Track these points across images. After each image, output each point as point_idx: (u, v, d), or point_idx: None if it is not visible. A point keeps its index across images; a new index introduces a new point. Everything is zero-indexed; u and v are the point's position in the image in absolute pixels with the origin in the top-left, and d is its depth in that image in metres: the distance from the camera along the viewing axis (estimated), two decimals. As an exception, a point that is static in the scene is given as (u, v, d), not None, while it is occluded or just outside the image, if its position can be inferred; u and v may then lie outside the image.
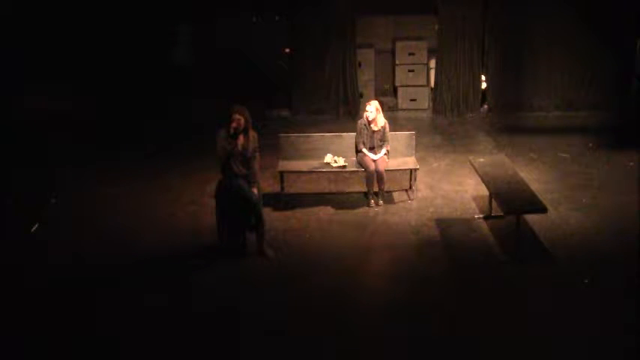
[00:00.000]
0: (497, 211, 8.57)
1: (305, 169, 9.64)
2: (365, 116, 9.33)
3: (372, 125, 9.29)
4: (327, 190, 10.01)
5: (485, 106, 13.78)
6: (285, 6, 13.38)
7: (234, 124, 7.60)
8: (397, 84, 13.98)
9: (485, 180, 8.62)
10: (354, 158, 9.53)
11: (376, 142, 9.36)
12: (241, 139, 7.67)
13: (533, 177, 10.15)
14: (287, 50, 13.66)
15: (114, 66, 13.03)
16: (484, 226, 8.82)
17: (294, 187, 9.99)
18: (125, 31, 12.98)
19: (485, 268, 7.86)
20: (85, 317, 6.97)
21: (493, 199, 8.61)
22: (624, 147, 11.35)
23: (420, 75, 13.92)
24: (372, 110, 9.25)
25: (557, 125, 13.02)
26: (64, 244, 8.48)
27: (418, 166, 9.70)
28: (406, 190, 9.88)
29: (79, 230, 8.84)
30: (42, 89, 12.87)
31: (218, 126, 7.81)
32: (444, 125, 13.08)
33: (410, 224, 8.91)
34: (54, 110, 12.83)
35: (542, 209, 7.94)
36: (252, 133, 7.88)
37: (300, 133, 10.36)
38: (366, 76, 13.87)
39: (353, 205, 9.47)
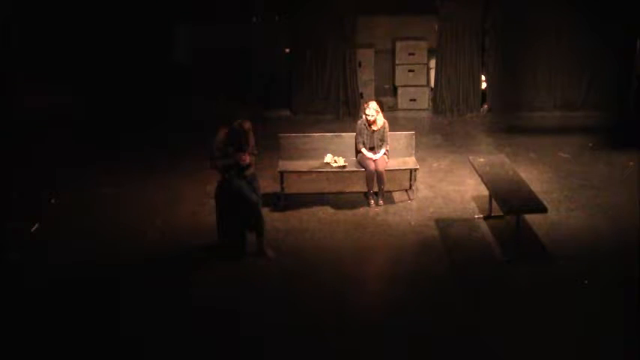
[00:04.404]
0: (497, 211, 8.56)
1: (305, 169, 9.64)
2: (364, 117, 9.34)
3: (371, 126, 9.30)
4: (327, 190, 10.00)
5: (485, 106, 13.78)
6: (285, 6, 13.38)
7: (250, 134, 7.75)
8: (397, 84, 13.99)
9: (485, 180, 8.62)
10: (354, 158, 9.53)
11: (376, 142, 9.35)
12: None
13: (533, 177, 10.15)
14: (287, 50, 13.65)
15: (114, 65, 13.04)
16: (484, 226, 8.82)
17: (294, 187, 9.98)
18: (125, 30, 12.98)
19: (486, 268, 7.86)
20: (84, 317, 6.96)
21: (493, 199, 8.61)
22: (624, 147, 11.35)
23: (420, 75, 13.92)
24: (373, 113, 9.24)
25: (557, 125, 13.03)
26: (64, 244, 8.47)
27: (418, 166, 9.70)
28: (406, 190, 9.87)
29: (79, 230, 8.84)
30: (42, 89, 12.87)
31: (217, 126, 7.81)
32: (444, 125, 13.07)
33: (410, 224, 8.91)
34: (54, 110, 12.83)
35: (542, 209, 7.93)
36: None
37: (300, 133, 10.36)
38: (366, 76, 13.88)
39: (353, 205, 9.47)
